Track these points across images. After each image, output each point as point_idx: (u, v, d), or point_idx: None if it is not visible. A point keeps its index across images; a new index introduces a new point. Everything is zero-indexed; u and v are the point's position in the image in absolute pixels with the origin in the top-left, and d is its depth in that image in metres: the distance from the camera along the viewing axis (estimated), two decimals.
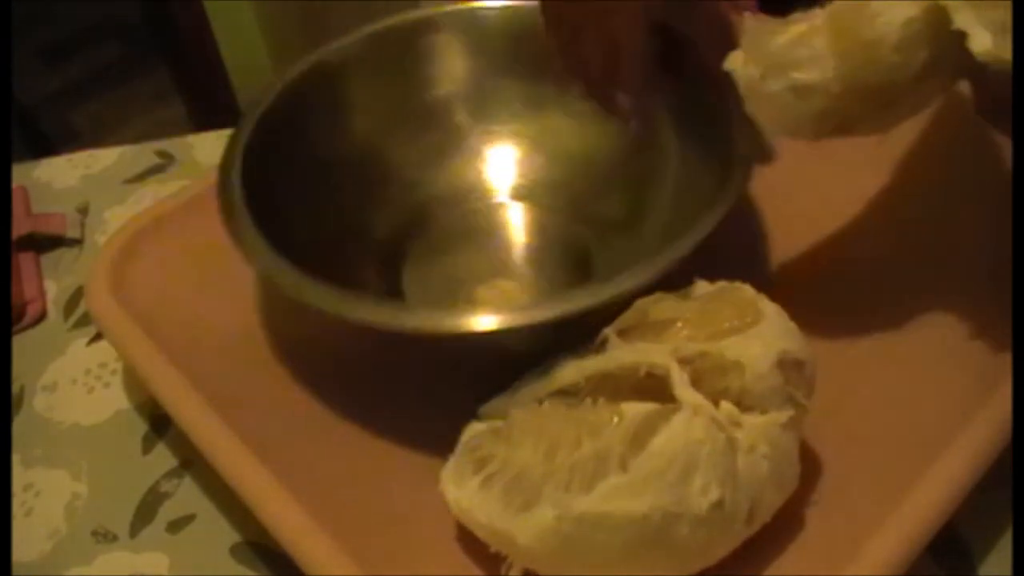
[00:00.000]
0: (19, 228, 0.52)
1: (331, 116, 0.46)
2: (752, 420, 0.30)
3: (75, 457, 0.41)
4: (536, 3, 0.43)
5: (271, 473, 0.34)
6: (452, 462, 0.33)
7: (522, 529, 0.29)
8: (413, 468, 0.35)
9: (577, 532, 0.29)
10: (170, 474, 0.40)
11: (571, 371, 0.33)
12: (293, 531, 0.32)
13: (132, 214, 0.48)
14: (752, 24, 0.34)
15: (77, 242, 0.52)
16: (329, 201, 0.44)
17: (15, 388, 0.45)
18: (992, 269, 0.38)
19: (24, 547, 0.38)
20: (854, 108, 0.33)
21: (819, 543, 0.32)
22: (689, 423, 0.29)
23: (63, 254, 0.52)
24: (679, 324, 0.33)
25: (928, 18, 0.30)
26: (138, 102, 1.58)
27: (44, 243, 0.52)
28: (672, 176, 0.43)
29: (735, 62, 0.34)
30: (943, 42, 0.30)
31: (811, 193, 0.44)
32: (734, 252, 0.36)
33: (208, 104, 1.06)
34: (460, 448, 0.33)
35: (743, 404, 0.31)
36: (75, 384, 0.44)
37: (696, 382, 0.31)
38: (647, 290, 0.34)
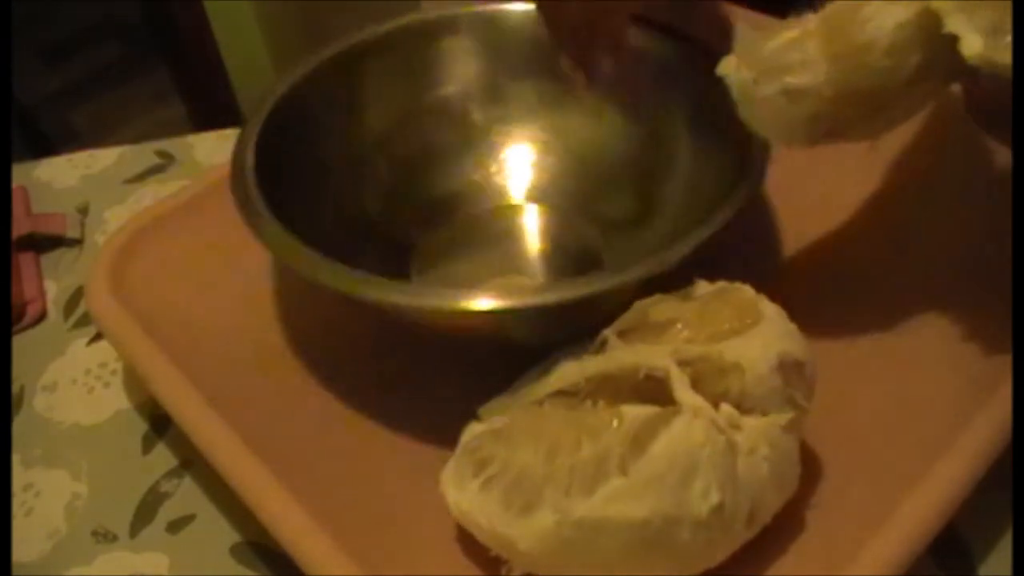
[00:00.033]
0: (19, 228, 0.52)
1: (345, 112, 0.46)
2: (752, 422, 0.30)
3: (75, 457, 0.41)
4: None
5: (271, 473, 0.34)
6: (452, 463, 0.33)
7: (522, 533, 0.29)
8: (413, 468, 0.35)
9: (577, 536, 0.29)
10: (170, 474, 0.40)
11: (571, 371, 0.33)
12: (293, 531, 0.32)
13: (132, 214, 0.48)
14: (745, 29, 0.34)
15: (77, 242, 0.53)
16: (340, 197, 0.44)
17: (15, 388, 0.45)
18: (992, 270, 0.38)
19: (24, 547, 0.38)
20: (846, 112, 0.33)
21: (819, 544, 0.32)
22: (689, 426, 0.29)
23: (63, 254, 0.52)
24: (679, 325, 0.33)
25: (920, 22, 0.30)
26: (138, 102, 1.58)
27: (44, 243, 0.52)
28: (685, 176, 0.43)
29: (728, 67, 0.34)
30: (935, 46, 0.30)
31: (811, 193, 0.44)
32: (734, 252, 0.36)
33: (208, 104, 1.05)
34: (460, 449, 0.33)
35: (743, 406, 0.31)
36: (75, 384, 0.44)
37: (696, 384, 0.31)
38: (652, 281, 0.34)
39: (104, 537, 0.38)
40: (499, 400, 0.35)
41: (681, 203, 0.43)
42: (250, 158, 0.40)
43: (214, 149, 0.57)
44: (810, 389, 0.32)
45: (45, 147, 1.47)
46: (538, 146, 0.48)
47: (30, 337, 0.47)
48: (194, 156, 0.57)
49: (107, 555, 0.37)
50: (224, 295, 0.43)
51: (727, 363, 0.31)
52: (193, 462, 0.40)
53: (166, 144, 0.58)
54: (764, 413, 0.31)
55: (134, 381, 0.44)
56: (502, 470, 0.31)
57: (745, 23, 0.36)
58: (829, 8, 0.33)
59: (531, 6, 0.46)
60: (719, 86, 0.35)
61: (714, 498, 0.29)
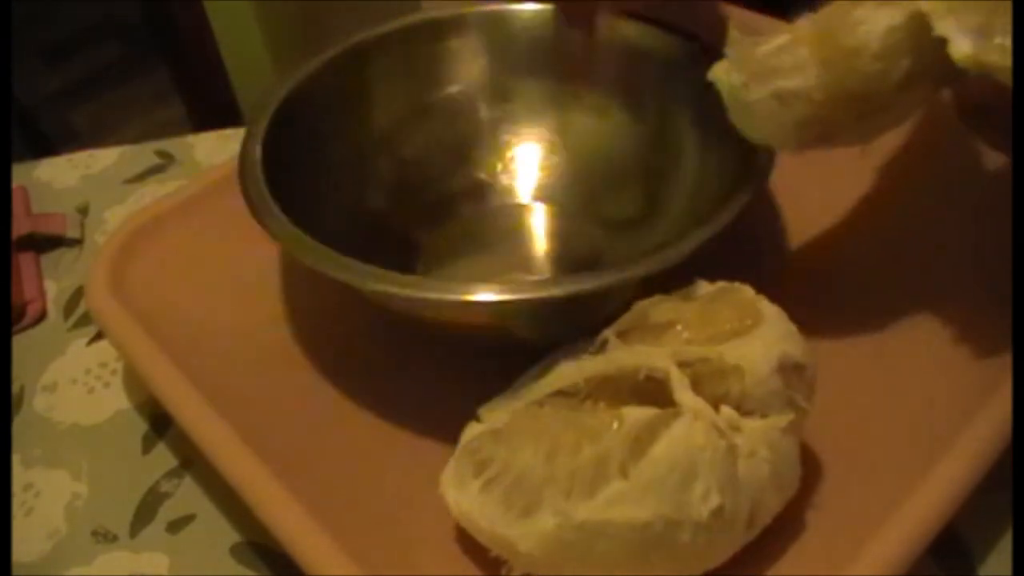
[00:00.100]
0: (19, 228, 0.52)
1: (352, 110, 0.46)
2: (752, 424, 0.30)
3: (75, 457, 0.41)
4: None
5: (271, 473, 0.34)
6: (452, 464, 0.33)
7: (523, 534, 0.29)
8: (413, 468, 0.35)
9: (578, 539, 0.29)
10: (170, 474, 0.40)
11: (571, 372, 0.33)
12: (293, 531, 0.32)
13: (132, 214, 0.48)
14: (736, 33, 0.34)
15: (77, 242, 0.52)
16: (345, 195, 0.44)
17: (15, 388, 0.45)
18: (992, 270, 0.38)
19: (24, 547, 0.38)
20: (837, 116, 0.33)
21: (819, 544, 0.32)
22: (689, 429, 0.29)
23: (63, 254, 0.52)
24: (679, 326, 0.33)
25: (910, 26, 0.30)
26: (138, 102, 1.58)
27: (44, 243, 0.52)
28: (690, 176, 0.43)
29: (719, 71, 0.34)
30: (925, 50, 0.30)
31: (811, 194, 0.44)
32: (735, 252, 0.36)
33: (208, 104, 1.05)
34: (460, 450, 0.33)
35: (743, 408, 0.31)
36: (75, 384, 0.44)
37: (696, 385, 0.31)
38: (654, 279, 0.34)
39: (104, 537, 0.38)
40: (499, 400, 0.35)
41: (686, 204, 0.43)
42: (257, 151, 0.40)
43: (214, 149, 0.57)
44: (810, 390, 0.32)
45: (45, 147, 1.47)
46: (544, 145, 0.48)
47: (30, 337, 0.47)
48: (194, 156, 0.57)
49: (107, 555, 0.37)
50: (224, 295, 0.43)
51: (727, 365, 0.31)
52: (193, 462, 0.40)
53: (166, 144, 0.58)
54: (764, 415, 0.31)
55: (134, 381, 0.43)
56: (502, 471, 0.31)
57: (744, 24, 0.35)
58: (820, 12, 0.33)
59: (537, 6, 0.46)
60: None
61: (715, 500, 0.28)
